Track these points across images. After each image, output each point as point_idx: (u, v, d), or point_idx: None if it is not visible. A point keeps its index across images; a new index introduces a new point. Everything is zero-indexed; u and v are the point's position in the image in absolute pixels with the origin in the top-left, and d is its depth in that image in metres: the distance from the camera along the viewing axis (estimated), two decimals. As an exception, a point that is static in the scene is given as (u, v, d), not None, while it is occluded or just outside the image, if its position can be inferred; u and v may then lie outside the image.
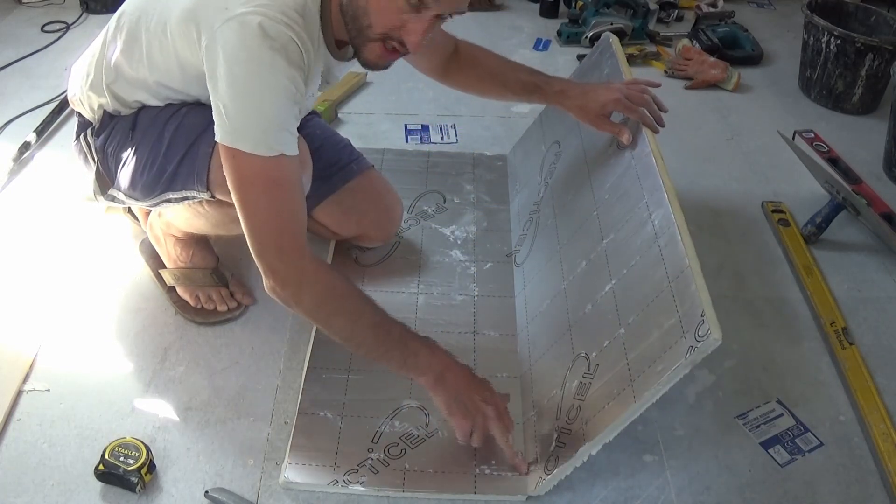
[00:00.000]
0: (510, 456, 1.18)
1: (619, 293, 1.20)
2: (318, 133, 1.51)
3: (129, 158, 1.27)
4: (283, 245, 1.09)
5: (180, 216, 1.37)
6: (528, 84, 1.41)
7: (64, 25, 2.48)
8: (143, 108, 1.28)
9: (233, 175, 1.08)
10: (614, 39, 1.56)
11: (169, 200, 1.28)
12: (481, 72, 1.45)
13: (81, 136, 1.34)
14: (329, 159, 1.47)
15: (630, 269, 1.19)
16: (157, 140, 1.24)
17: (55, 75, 2.22)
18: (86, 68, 1.30)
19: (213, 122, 1.09)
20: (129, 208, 1.59)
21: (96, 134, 1.31)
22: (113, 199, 1.35)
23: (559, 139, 1.64)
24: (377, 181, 1.56)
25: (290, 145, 1.09)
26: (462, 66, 1.46)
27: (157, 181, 1.25)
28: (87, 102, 1.31)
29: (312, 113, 1.57)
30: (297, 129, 1.13)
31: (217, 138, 1.07)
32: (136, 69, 1.22)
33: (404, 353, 1.14)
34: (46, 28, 2.48)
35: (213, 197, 1.25)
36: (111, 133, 1.29)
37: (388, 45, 1.11)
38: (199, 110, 1.22)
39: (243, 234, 1.11)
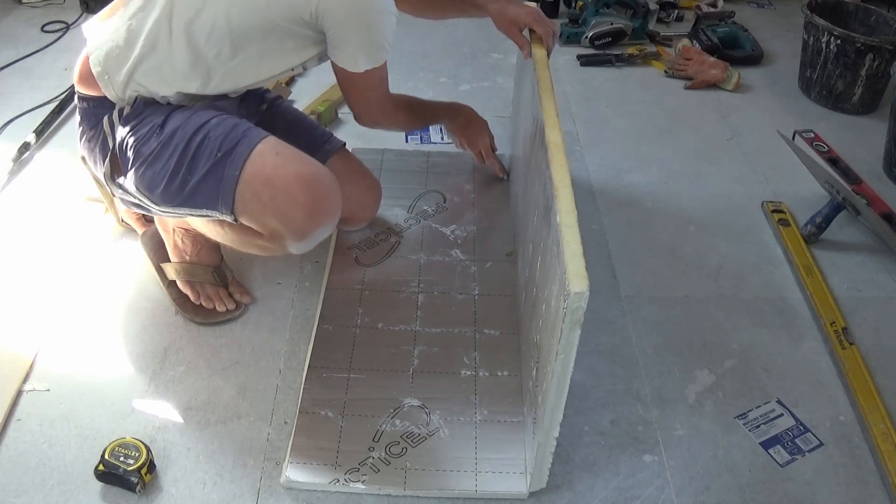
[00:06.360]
0: (495, 169, 1.78)
1: (541, 268, 1.18)
2: (289, 115, 1.58)
3: (151, 158, 1.25)
4: (379, 118, 1.49)
5: (197, 221, 1.37)
6: None
7: (64, 25, 2.48)
8: (177, 109, 1.27)
9: (349, 83, 1.36)
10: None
11: (186, 214, 1.29)
12: None
13: (106, 117, 1.30)
14: (306, 139, 1.52)
15: (544, 240, 1.17)
16: (184, 148, 1.22)
17: (55, 75, 2.21)
18: (127, 52, 1.26)
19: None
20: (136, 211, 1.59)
21: (125, 120, 1.28)
22: (121, 188, 1.32)
23: (517, 124, 1.65)
24: (353, 161, 1.62)
25: (387, 54, 1.34)
26: None
27: (179, 193, 1.24)
28: (116, 86, 1.27)
29: (278, 98, 1.59)
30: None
31: (340, 63, 1.31)
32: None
33: (433, 122, 1.74)
34: (46, 28, 2.48)
35: (236, 221, 1.25)
36: (139, 123, 1.27)
37: None
38: (227, 122, 1.24)
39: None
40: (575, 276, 0.93)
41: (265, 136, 1.24)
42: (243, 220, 1.24)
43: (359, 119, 1.49)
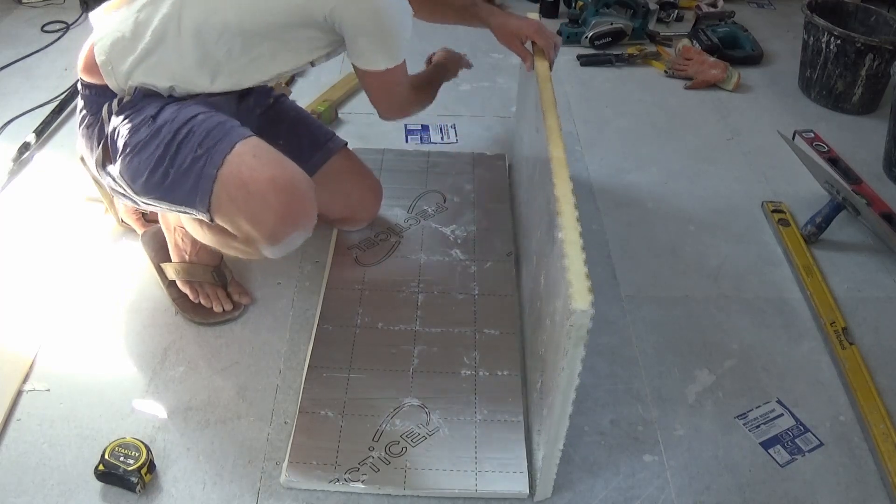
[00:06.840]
0: (464, 64, 1.74)
1: (545, 282, 1.18)
2: (293, 112, 1.59)
3: (139, 148, 1.24)
4: (406, 108, 1.51)
5: (182, 218, 1.37)
6: (466, 4, 1.61)
7: (64, 25, 2.48)
8: (172, 102, 1.27)
9: (372, 82, 1.37)
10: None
11: (166, 209, 1.28)
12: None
13: (106, 105, 1.29)
14: (308, 137, 1.53)
15: (548, 254, 1.16)
16: (169, 141, 1.21)
17: (55, 75, 2.22)
18: (135, 44, 1.26)
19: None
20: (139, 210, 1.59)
21: (121, 109, 1.27)
22: (109, 176, 1.31)
23: (521, 132, 1.65)
24: (355, 161, 1.62)
25: (406, 50, 1.34)
26: None
27: (159, 186, 1.23)
28: (119, 76, 1.27)
29: (282, 95, 1.60)
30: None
31: (360, 65, 1.31)
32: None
33: (439, 84, 1.64)
34: (46, 28, 2.48)
35: (212, 221, 1.24)
36: (134, 113, 1.26)
37: None
38: (213, 118, 1.23)
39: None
40: (578, 294, 0.93)
41: (246, 136, 1.22)
42: (218, 221, 1.23)
43: (384, 115, 1.49)
